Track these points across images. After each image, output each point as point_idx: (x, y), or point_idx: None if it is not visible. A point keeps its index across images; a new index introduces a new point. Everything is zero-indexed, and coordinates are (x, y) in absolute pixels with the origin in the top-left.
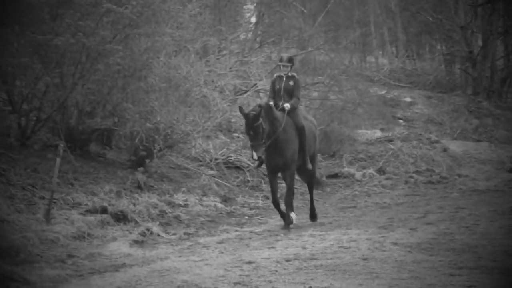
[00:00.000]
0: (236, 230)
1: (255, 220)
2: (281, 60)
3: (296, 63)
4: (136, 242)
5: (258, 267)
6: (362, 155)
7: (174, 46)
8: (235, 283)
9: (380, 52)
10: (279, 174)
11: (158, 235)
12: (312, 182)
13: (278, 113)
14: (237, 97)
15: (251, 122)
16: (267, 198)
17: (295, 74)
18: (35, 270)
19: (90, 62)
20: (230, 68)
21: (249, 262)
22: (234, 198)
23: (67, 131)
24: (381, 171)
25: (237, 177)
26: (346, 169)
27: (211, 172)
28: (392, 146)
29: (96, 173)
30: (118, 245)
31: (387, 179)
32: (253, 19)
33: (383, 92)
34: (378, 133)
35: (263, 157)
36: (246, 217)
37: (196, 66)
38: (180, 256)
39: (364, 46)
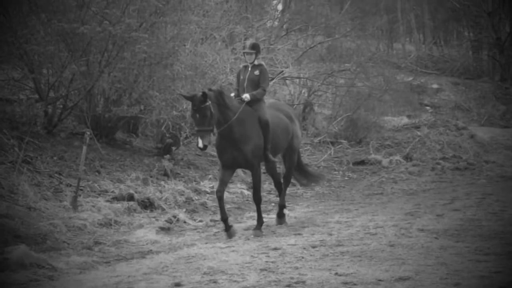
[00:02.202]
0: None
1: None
2: (244, 47)
3: (322, 50)
4: (162, 229)
5: (284, 254)
6: (389, 142)
7: (200, 33)
8: (261, 270)
9: (407, 39)
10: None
11: (185, 222)
12: (287, 174)
13: (231, 102)
14: None
15: (198, 104)
16: (293, 185)
17: (262, 62)
18: (62, 257)
19: (116, 50)
20: None
21: (275, 249)
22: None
23: (94, 119)
24: (408, 157)
25: (263, 164)
26: (372, 156)
27: None
28: (419, 133)
29: (123, 160)
30: (145, 232)
31: (414, 165)
32: (280, 7)
33: (410, 79)
34: (404, 120)
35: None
36: (273, 204)
37: (222, 54)
38: (206, 243)
39: (391, 33)
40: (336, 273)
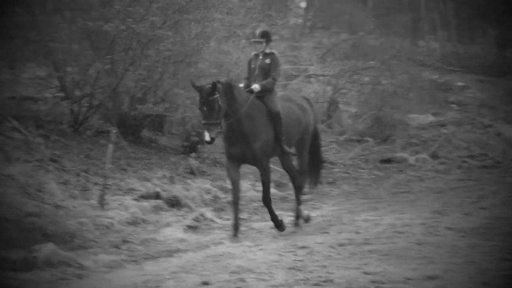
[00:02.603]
0: (290, 216)
1: (308, 206)
2: (253, 36)
3: (346, 47)
4: (190, 227)
5: (312, 252)
6: (415, 139)
7: (224, 31)
8: (289, 268)
9: (432, 36)
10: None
11: (212, 220)
12: (298, 176)
13: (240, 94)
14: (287, 82)
15: (206, 96)
16: (320, 183)
17: (274, 51)
18: (90, 255)
19: (140, 48)
20: (281, 53)
21: (303, 247)
22: (287, 183)
23: (119, 117)
24: (434, 155)
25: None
26: (399, 154)
27: None
28: (445, 131)
29: (149, 158)
30: (172, 230)
31: (440, 163)
32: (303, 4)
33: (435, 76)
34: (430, 118)
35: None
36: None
37: (246, 52)
38: (234, 242)
39: (415, 31)
40: (364, 272)
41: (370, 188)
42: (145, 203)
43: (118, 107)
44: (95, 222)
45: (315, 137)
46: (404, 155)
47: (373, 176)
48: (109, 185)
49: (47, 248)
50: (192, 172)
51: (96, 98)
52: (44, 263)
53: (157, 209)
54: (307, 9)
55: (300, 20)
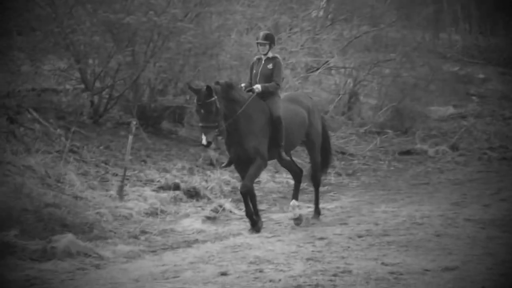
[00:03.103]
0: (309, 207)
1: (327, 197)
2: (257, 38)
3: (367, 40)
4: (208, 218)
5: (330, 243)
6: (435, 131)
7: (245, 24)
8: (308, 259)
9: (453, 29)
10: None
11: (231, 211)
12: (297, 174)
13: (240, 95)
14: (308, 74)
15: (203, 98)
16: (339, 174)
17: (277, 55)
18: (109, 245)
19: (161, 40)
20: (302, 45)
21: (321, 238)
22: (307, 174)
23: (140, 108)
24: (454, 147)
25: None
26: (418, 145)
27: None
28: (465, 123)
29: (168, 150)
30: (191, 221)
31: (460, 155)
32: None
33: (456, 68)
34: (451, 110)
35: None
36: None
37: None
38: (252, 232)
39: (437, 23)
40: (383, 263)
41: (389, 180)
42: (164, 194)
43: (139, 98)
44: (114, 213)
45: (325, 137)
46: (424, 147)
47: (393, 168)
48: (129, 176)
49: (66, 239)
50: (211, 164)
51: (116, 90)
52: (63, 253)
53: (176, 200)
54: (328, 1)
55: (321, 13)
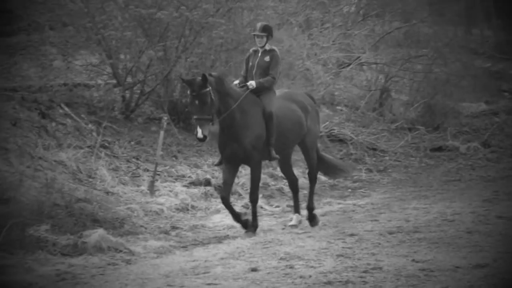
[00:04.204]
0: (339, 203)
1: (358, 193)
2: (254, 29)
3: (399, 35)
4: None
5: (361, 240)
6: (467, 128)
7: (277, 19)
8: (338, 256)
9: (485, 24)
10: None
11: (261, 207)
12: (294, 183)
13: (233, 90)
14: (340, 70)
15: (197, 89)
16: (370, 171)
17: (274, 48)
18: (140, 241)
19: (193, 36)
20: (333, 41)
21: (352, 235)
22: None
23: (171, 104)
24: (486, 144)
25: (340, 150)
26: (450, 142)
27: None
28: (497, 119)
29: (199, 145)
30: (221, 217)
31: (492, 152)
32: None
33: (488, 64)
34: (482, 106)
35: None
36: (349, 190)
37: (299, 39)
38: (283, 229)
39: (469, 18)
40: (413, 260)
41: (420, 176)
42: (195, 190)
43: (170, 94)
44: (145, 208)
45: None
46: (456, 143)
47: (424, 164)
48: (160, 171)
49: (97, 234)
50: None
51: (148, 85)
52: (94, 249)
53: (206, 195)
54: None
55: (353, 8)
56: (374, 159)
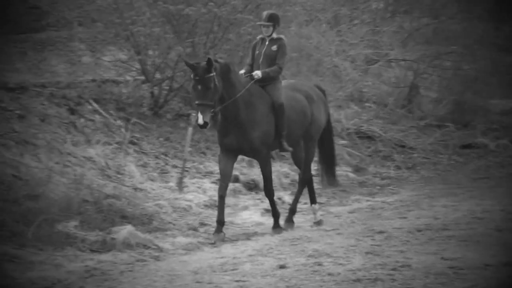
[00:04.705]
0: (368, 200)
1: (386, 190)
2: (260, 19)
3: (428, 32)
4: (267, 211)
5: (389, 237)
6: (496, 125)
7: (305, 15)
8: (367, 253)
9: None
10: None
11: (290, 204)
12: (304, 172)
13: (238, 78)
14: (368, 66)
15: (201, 73)
16: (399, 168)
17: (282, 36)
18: (168, 237)
19: (221, 32)
20: (362, 37)
21: (381, 232)
22: (366, 168)
23: None
24: None
25: (369, 147)
26: (479, 139)
27: (342, 142)
28: None
29: None
30: (250, 214)
31: None
32: None
33: None
34: None
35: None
36: (378, 187)
37: (327, 36)
38: (311, 226)
39: (499, 15)
40: (442, 258)
41: (449, 174)
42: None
43: None
44: (173, 205)
45: (328, 132)
46: (485, 140)
47: (453, 162)
48: (188, 168)
49: (126, 230)
50: (271, 156)
51: (176, 81)
52: (122, 245)
53: (235, 192)
54: None
55: (381, 4)
56: (402, 156)
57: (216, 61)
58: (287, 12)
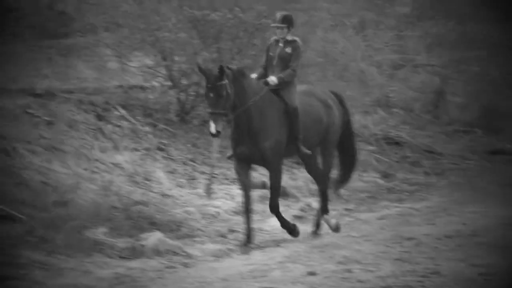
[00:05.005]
0: (396, 206)
1: (415, 196)
2: (273, 21)
3: (454, 37)
4: (296, 217)
5: (418, 244)
6: None
7: (330, 20)
8: (396, 259)
9: None
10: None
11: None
12: (321, 180)
13: (251, 85)
14: (394, 71)
15: (213, 81)
16: (427, 174)
17: (296, 38)
18: (197, 244)
19: (247, 37)
20: (387, 42)
21: (410, 239)
22: (394, 174)
23: None
24: None
25: (397, 153)
26: (508, 145)
27: (370, 147)
28: None
29: None
30: None
31: None
32: None
33: None
34: None
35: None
36: (406, 193)
37: (353, 41)
38: (340, 232)
39: None
40: (472, 264)
41: (478, 180)
42: (252, 193)
43: None
44: (201, 211)
45: (350, 136)
46: None
47: (481, 168)
48: (216, 174)
49: (155, 237)
50: (298, 162)
51: (202, 87)
52: (151, 252)
53: (263, 198)
54: None
55: (407, 9)
56: (431, 162)
57: (229, 67)
58: (312, 17)
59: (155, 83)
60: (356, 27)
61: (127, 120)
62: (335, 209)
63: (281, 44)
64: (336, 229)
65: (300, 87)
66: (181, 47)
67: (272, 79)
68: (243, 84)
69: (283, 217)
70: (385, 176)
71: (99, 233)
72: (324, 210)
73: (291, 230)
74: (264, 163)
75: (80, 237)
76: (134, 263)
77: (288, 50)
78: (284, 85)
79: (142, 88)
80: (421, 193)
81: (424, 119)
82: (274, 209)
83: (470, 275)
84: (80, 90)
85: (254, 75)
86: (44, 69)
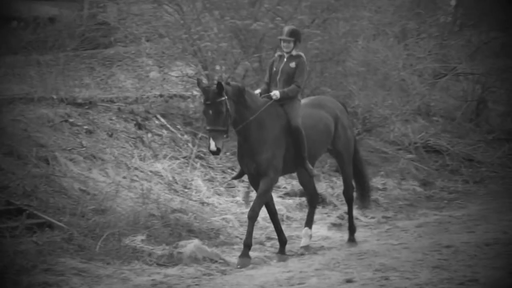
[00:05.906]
0: (435, 214)
1: (454, 204)
2: (281, 33)
3: (496, 45)
4: (334, 225)
5: (457, 252)
6: None
7: (372, 29)
8: (434, 267)
9: None
10: None
11: (356, 218)
12: (311, 199)
13: (253, 100)
14: (436, 80)
15: (212, 97)
16: (466, 182)
17: (301, 53)
18: (235, 251)
19: None
20: (429, 51)
21: (448, 246)
22: (433, 182)
23: None
24: None
25: (436, 161)
26: None
27: (409, 156)
28: None
29: None
30: (317, 228)
31: None
32: (453, 2)
33: None
34: None
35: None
36: (445, 201)
37: (395, 50)
38: (378, 240)
39: None
40: (511, 272)
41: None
42: (290, 201)
43: None
44: (240, 219)
45: (355, 152)
46: None
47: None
48: None
49: (193, 244)
50: (337, 170)
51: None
52: (189, 259)
53: (301, 206)
54: (456, 6)
55: (449, 18)
56: (470, 170)
57: (228, 83)
58: (354, 26)
59: (195, 92)
60: (397, 36)
61: (167, 129)
62: (374, 216)
63: (285, 59)
64: (304, 247)
65: (307, 99)
66: (222, 56)
67: (275, 94)
68: (245, 100)
69: (251, 229)
70: (424, 184)
71: (137, 240)
72: (307, 223)
73: (249, 245)
74: (259, 174)
75: (118, 245)
76: (172, 270)
77: (292, 65)
78: (287, 100)
79: (183, 97)
80: (460, 201)
81: (465, 127)
82: (252, 218)
83: (509, 283)
84: (121, 99)
85: (257, 91)
86: (86, 78)
